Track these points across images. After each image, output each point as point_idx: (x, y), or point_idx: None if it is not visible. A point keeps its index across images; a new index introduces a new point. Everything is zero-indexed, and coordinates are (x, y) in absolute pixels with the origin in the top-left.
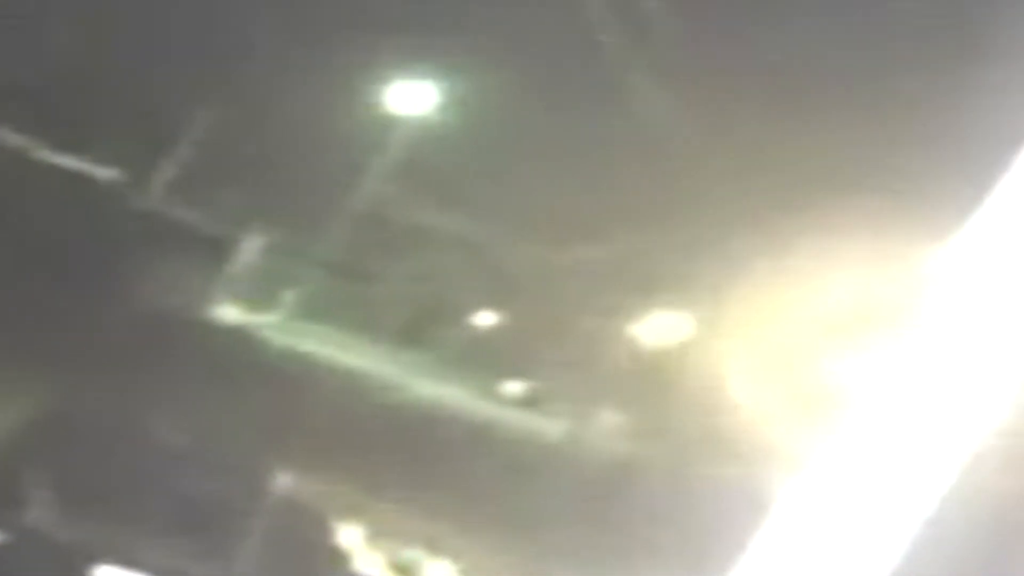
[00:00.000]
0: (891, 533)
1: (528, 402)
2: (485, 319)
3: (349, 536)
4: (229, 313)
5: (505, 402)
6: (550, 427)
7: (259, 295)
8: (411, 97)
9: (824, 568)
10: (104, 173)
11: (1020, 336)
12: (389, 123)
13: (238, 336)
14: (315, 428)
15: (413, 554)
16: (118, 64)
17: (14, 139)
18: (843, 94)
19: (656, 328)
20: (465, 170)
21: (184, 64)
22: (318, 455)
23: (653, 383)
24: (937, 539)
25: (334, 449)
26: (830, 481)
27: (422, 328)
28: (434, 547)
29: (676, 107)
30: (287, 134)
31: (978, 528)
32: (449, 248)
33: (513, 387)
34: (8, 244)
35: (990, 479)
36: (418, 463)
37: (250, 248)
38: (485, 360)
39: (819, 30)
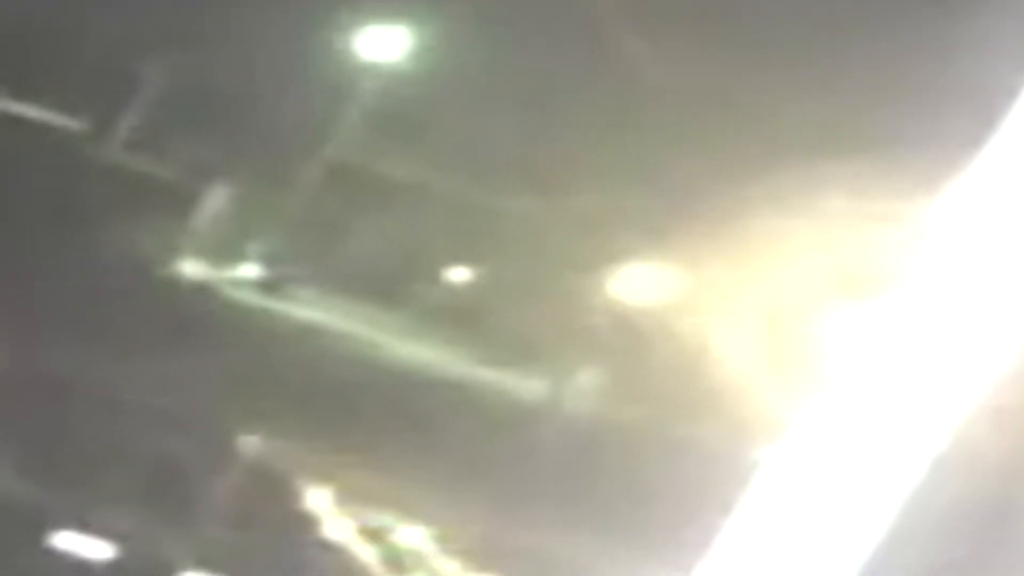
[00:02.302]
0: (879, 498)
1: (269, 287)
2: (459, 275)
3: (317, 500)
4: (194, 268)
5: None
6: (528, 387)
7: (225, 249)
8: (382, 43)
9: (810, 532)
10: (63, 122)
11: (1014, 298)
12: (359, 70)
13: (203, 292)
14: (282, 388)
15: (384, 519)
16: (76, 11)
17: None
18: (827, 41)
19: (639, 285)
20: (439, 119)
21: (144, 10)
22: (285, 416)
23: (635, 342)
24: (929, 505)
25: (302, 410)
26: (815, 445)
27: (394, 284)
28: (406, 511)
29: (658, 57)
30: (252, 82)
31: (974, 488)
32: (422, 201)
33: (248, 270)
34: None
35: (983, 442)
36: (390, 425)
37: (215, 201)
38: (459, 317)
39: None
